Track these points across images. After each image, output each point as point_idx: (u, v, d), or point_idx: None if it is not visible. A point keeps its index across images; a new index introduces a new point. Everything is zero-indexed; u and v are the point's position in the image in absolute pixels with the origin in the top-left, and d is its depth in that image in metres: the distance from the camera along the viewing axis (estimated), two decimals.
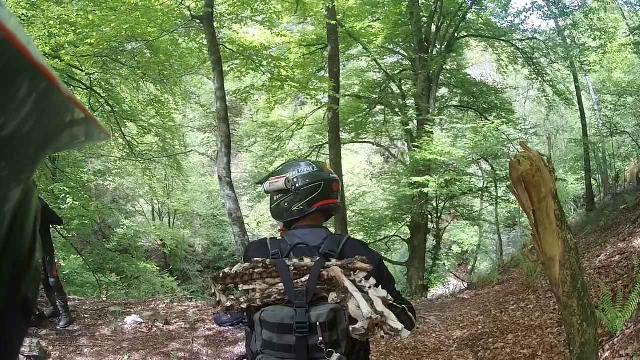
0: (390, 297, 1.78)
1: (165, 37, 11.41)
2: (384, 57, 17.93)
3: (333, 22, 12.04)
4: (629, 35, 14.31)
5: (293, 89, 13.08)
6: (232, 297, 1.95)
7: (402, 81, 16.99)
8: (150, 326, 7.35)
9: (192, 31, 12.18)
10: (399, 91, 17.02)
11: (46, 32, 9.92)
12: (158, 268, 19.39)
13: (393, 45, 16.94)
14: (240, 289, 1.97)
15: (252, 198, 20.78)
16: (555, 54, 15.22)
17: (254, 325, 1.88)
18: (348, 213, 14.24)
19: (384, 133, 19.25)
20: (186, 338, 7.01)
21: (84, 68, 11.89)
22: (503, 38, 15.79)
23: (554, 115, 23.12)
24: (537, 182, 3.51)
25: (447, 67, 16.56)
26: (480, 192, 16.18)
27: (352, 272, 1.88)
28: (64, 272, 12.89)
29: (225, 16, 11.65)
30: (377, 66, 16.88)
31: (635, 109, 15.91)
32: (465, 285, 14.17)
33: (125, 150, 15.19)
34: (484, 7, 15.88)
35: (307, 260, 1.93)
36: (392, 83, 17.17)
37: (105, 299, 9.46)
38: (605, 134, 16.59)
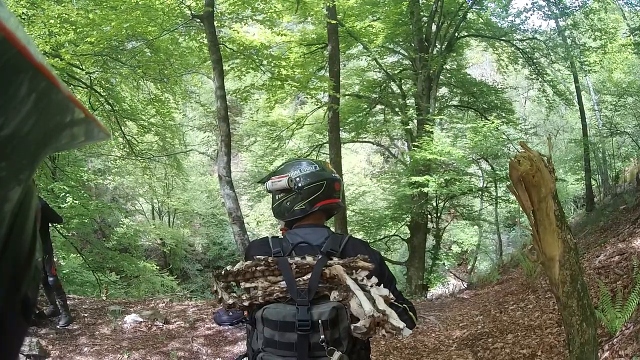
0: (392, 296, 1.78)
1: (166, 36, 11.40)
2: (384, 57, 17.92)
3: (333, 22, 12.04)
4: (630, 36, 14.29)
5: (293, 88, 13.07)
6: (234, 294, 1.95)
7: (402, 81, 16.98)
8: (149, 325, 7.36)
9: (193, 30, 12.17)
10: (399, 91, 17.02)
11: (46, 31, 9.91)
12: (158, 267, 19.37)
13: (393, 45, 16.93)
14: (242, 287, 1.97)
15: (252, 197, 20.76)
16: (556, 54, 15.21)
17: (255, 323, 1.89)
18: (348, 212, 14.24)
19: (384, 132, 19.26)
20: (186, 337, 7.01)
21: (84, 67, 11.87)
22: (503, 38, 15.78)
23: (554, 116, 23.11)
24: (537, 182, 3.51)
25: (447, 67, 16.55)
26: (480, 192, 16.18)
27: (353, 271, 1.88)
28: (64, 271, 12.89)
29: (226, 15, 11.63)
30: (378, 66, 16.87)
31: (635, 110, 15.91)
32: (465, 285, 14.18)
33: (125, 149, 15.19)
34: (484, 7, 15.88)
35: (309, 259, 1.93)
36: (392, 82, 17.16)
37: (104, 298, 9.46)
38: (605, 134, 16.59)
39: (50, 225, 7.09)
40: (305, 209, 2.16)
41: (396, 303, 1.88)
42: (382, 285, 1.83)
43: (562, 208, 3.70)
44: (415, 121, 15.51)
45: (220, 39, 11.12)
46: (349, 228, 14.02)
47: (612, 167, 17.23)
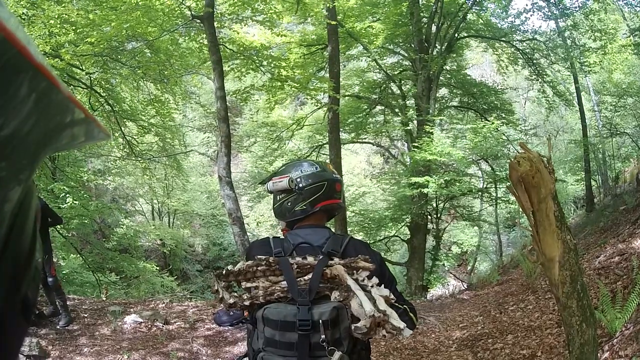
0: (392, 297, 1.78)
1: (166, 36, 11.41)
2: (384, 58, 17.92)
3: (333, 22, 12.04)
4: (629, 36, 14.28)
5: (293, 89, 13.07)
6: (235, 294, 1.95)
7: (402, 81, 16.98)
8: (149, 326, 7.36)
9: (193, 31, 12.19)
10: (399, 91, 17.02)
11: (46, 31, 9.92)
12: (157, 268, 19.36)
13: (393, 46, 16.93)
14: (243, 287, 1.97)
15: (252, 198, 20.77)
16: (556, 54, 15.21)
17: (256, 322, 1.89)
18: (348, 213, 14.24)
19: (383, 133, 19.25)
20: (186, 338, 7.01)
21: (84, 67, 11.88)
22: (503, 39, 15.78)
23: (554, 116, 23.08)
24: (537, 183, 3.51)
25: (447, 68, 16.54)
26: (480, 193, 16.17)
27: (354, 271, 1.89)
28: (64, 272, 12.90)
29: (226, 16, 11.65)
30: (377, 66, 16.86)
31: (635, 110, 15.91)
32: (465, 286, 14.17)
33: (125, 149, 15.20)
34: (484, 8, 15.87)
35: (310, 259, 1.94)
36: (392, 83, 17.16)
37: (104, 299, 9.46)
38: (605, 135, 16.59)
39: (49, 226, 7.08)
40: (306, 210, 2.17)
41: (397, 304, 1.88)
42: (382, 285, 1.83)
43: (562, 209, 3.71)
44: (415, 122, 15.51)
45: (220, 40, 11.14)
46: (348, 229, 14.02)
47: (612, 167, 17.23)
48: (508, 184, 3.98)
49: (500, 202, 16.06)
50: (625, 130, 16.58)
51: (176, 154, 18.42)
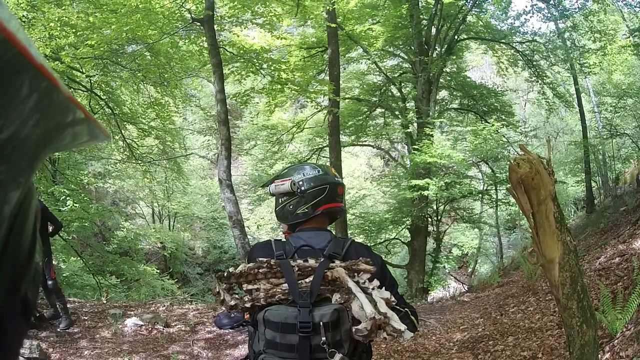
0: (393, 299, 1.78)
1: (166, 39, 11.42)
2: (384, 60, 17.92)
3: (333, 25, 12.05)
4: (629, 37, 14.27)
5: (293, 91, 13.07)
6: (236, 296, 1.96)
7: (402, 84, 16.99)
8: (150, 329, 7.36)
9: (193, 34, 12.21)
10: (399, 94, 17.02)
11: (47, 34, 9.93)
12: (158, 271, 19.37)
13: (393, 48, 16.94)
14: (244, 289, 1.98)
15: (252, 201, 20.76)
16: (555, 56, 15.21)
17: (257, 324, 1.89)
18: (348, 216, 14.24)
19: (384, 136, 19.25)
20: (186, 341, 7.01)
21: (84, 70, 11.90)
22: (503, 40, 15.79)
23: (554, 118, 23.09)
24: (537, 185, 3.51)
25: (447, 70, 16.57)
26: (480, 195, 16.18)
27: (355, 274, 1.89)
28: (64, 275, 12.90)
29: (226, 19, 11.67)
30: (377, 69, 16.88)
31: (635, 111, 15.90)
32: (466, 288, 14.17)
33: (125, 152, 15.20)
34: (484, 10, 15.89)
35: (311, 261, 1.94)
36: (392, 86, 17.17)
37: (105, 302, 9.45)
38: (605, 136, 16.58)
39: (51, 235, 7.07)
40: (308, 213, 2.18)
41: (398, 307, 1.88)
42: (383, 288, 1.83)
43: (562, 210, 3.71)
44: (415, 124, 15.51)
45: (220, 43, 11.15)
46: (349, 231, 14.01)
47: (612, 168, 17.22)
48: (508, 186, 3.98)
49: (501, 204, 16.06)
50: (625, 131, 16.57)
51: (176, 157, 18.43)
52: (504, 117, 16.32)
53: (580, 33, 14.96)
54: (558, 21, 14.95)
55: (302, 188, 2.17)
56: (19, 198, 0.50)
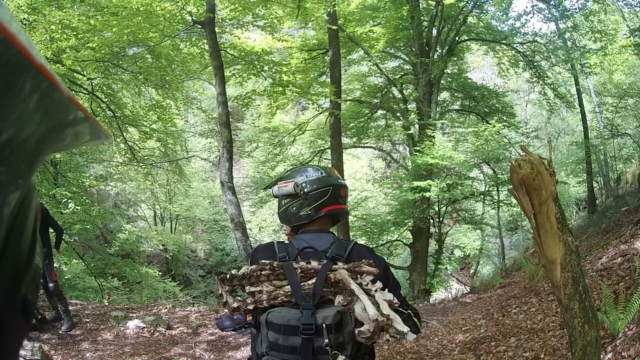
0: (396, 301, 1.78)
1: (167, 42, 11.43)
2: (385, 62, 17.94)
3: (334, 27, 12.06)
4: (630, 37, 14.25)
5: (294, 94, 13.09)
6: (239, 298, 1.96)
7: (404, 85, 16.99)
8: (152, 331, 7.36)
9: (194, 36, 12.21)
10: (400, 95, 17.03)
11: (48, 36, 9.94)
12: (160, 273, 19.39)
13: (394, 50, 16.95)
14: (247, 291, 1.98)
15: (254, 203, 20.73)
16: (556, 56, 15.21)
17: (259, 326, 1.89)
18: (350, 218, 14.23)
19: (385, 137, 19.28)
20: (188, 343, 7.01)
21: (85, 73, 11.90)
22: (504, 41, 15.79)
23: (555, 118, 23.07)
24: (538, 186, 3.51)
25: (448, 71, 16.57)
26: (482, 196, 16.15)
27: (358, 276, 1.89)
28: (66, 277, 12.91)
29: (227, 21, 11.68)
30: (379, 71, 16.89)
31: (636, 111, 15.89)
32: (468, 289, 14.16)
33: (127, 155, 15.20)
34: (484, 11, 15.89)
35: (314, 263, 1.94)
36: (393, 87, 17.17)
37: (107, 304, 9.47)
38: (606, 136, 16.56)
39: (49, 230, 7.07)
40: (311, 215, 2.17)
41: (400, 308, 1.88)
42: (386, 289, 1.83)
43: (564, 211, 3.70)
44: (416, 126, 15.52)
45: (222, 45, 11.16)
46: (351, 233, 14.01)
47: (613, 169, 17.21)
48: (510, 187, 3.98)
49: (503, 205, 16.05)
50: (627, 131, 16.56)
51: (178, 159, 18.42)
52: (505, 118, 16.31)
53: (580, 33, 14.96)
54: (559, 21, 14.96)
55: (305, 190, 2.17)
56: (18, 198, 0.50)
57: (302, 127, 17.30)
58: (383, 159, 30.32)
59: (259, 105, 18.88)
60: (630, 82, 16.90)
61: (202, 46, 12.09)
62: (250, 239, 10.46)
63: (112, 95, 13.99)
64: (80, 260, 14.06)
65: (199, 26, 10.45)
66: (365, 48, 15.40)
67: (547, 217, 3.53)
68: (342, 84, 13.53)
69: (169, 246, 22.68)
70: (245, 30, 12.13)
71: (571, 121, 23.80)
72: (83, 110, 0.55)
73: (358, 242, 2.21)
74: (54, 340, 6.52)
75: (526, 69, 16.45)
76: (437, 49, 15.50)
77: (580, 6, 14.35)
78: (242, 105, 13.64)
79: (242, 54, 11.72)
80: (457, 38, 15.26)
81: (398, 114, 17.09)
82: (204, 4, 10.21)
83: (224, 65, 10.55)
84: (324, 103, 14.39)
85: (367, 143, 19.16)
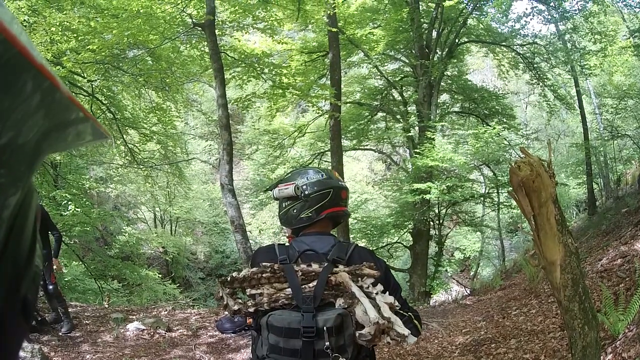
0: (397, 304, 1.78)
1: (167, 44, 11.44)
2: (385, 64, 17.95)
3: (334, 30, 12.07)
4: (629, 38, 14.28)
5: (294, 96, 13.09)
6: (240, 300, 1.96)
7: (404, 88, 17.01)
8: (152, 333, 7.35)
9: (194, 39, 12.22)
10: (400, 98, 17.04)
11: (48, 38, 9.95)
12: (160, 275, 19.40)
13: (394, 52, 16.96)
14: (247, 293, 1.98)
15: (254, 205, 20.73)
16: (556, 58, 15.22)
17: (260, 329, 1.89)
18: (350, 220, 14.21)
19: (385, 140, 19.25)
20: (188, 345, 7.01)
21: (85, 75, 11.90)
22: (504, 43, 15.81)
23: (555, 120, 23.10)
24: (537, 187, 3.51)
25: (448, 73, 16.58)
26: (482, 198, 16.15)
27: (359, 278, 1.89)
28: (66, 279, 12.90)
29: (227, 24, 11.67)
30: (379, 73, 16.91)
31: (636, 112, 15.92)
32: (468, 291, 14.15)
33: (127, 157, 15.21)
34: (484, 13, 15.91)
35: (315, 266, 1.94)
36: (393, 90, 17.19)
37: (107, 306, 9.46)
38: (606, 138, 16.58)
39: (49, 233, 7.06)
40: (311, 217, 2.17)
41: (401, 311, 1.88)
42: (387, 292, 1.83)
43: (563, 212, 3.71)
44: (416, 128, 15.53)
45: (222, 47, 11.15)
46: (351, 236, 13.99)
47: (613, 170, 17.21)
48: (509, 188, 3.98)
49: (503, 207, 16.06)
50: (627, 133, 16.58)
51: (178, 161, 18.42)
52: (505, 120, 16.30)
53: (580, 35, 14.96)
54: (558, 23, 14.97)
55: (306, 192, 2.16)
56: (18, 199, 0.50)
57: (302, 130, 17.30)
58: (383, 161, 30.34)
59: (259, 107, 18.89)
60: (630, 84, 16.91)
61: (202, 48, 12.10)
62: (251, 241, 10.46)
63: (112, 98, 14.00)
64: (80, 262, 14.06)
65: (199, 28, 10.45)
66: (365, 50, 15.42)
67: (547, 219, 3.53)
68: (342, 86, 13.54)
69: (169, 248, 22.68)
70: (246, 33, 12.12)
71: (571, 123, 23.82)
72: (83, 110, 0.55)
73: (359, 244, 2.21)
74: (53, 342, 6.52)
75: (526, 71, 16.46)
76: (437, 51, 15.52)
77: (580, 7, 14.36)
78: (242, 108, 13.64)
79: (242, 56, 11.73)
80: (457, 40, 15.27)
81: (398, 116, 17.09)
82: (204, 6, 10.21)
83: (224, 68, 10.55)
84: (324, 105, 14.39)
85: (367, 145, 19.16)
